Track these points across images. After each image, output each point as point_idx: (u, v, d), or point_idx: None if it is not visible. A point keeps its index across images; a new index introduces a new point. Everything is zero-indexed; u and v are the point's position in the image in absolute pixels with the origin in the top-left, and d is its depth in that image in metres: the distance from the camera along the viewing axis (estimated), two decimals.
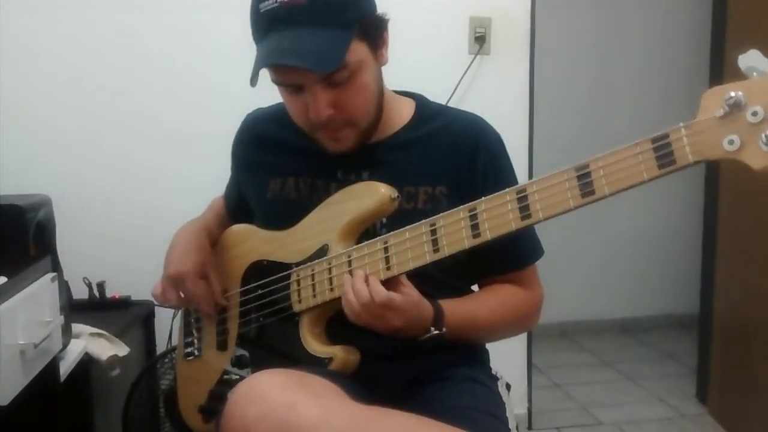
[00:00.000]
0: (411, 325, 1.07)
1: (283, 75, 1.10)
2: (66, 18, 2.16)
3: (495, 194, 0.99)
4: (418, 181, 1.19)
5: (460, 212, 1.01)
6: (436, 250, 1.03)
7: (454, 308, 1.13)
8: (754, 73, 0.79)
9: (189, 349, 1.34)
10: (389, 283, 1.06)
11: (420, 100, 1.28)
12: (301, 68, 1.05)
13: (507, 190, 0.98)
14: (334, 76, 1.07)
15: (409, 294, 1.06)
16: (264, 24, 1.08)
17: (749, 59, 0.79)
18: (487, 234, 0.98)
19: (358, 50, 1.09)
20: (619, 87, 3.68)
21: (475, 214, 1.00)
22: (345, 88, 1.10)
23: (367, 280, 1.05)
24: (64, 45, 2.17)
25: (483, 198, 1.00)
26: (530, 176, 2.36)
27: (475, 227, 1.00)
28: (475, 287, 1.29)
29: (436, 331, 1.09)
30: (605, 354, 3.41)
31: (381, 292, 1.03)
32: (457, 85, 2.29)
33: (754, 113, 0.78)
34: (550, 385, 3.02)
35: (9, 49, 2.12)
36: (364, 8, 1.11)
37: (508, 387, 1.25)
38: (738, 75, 0.82)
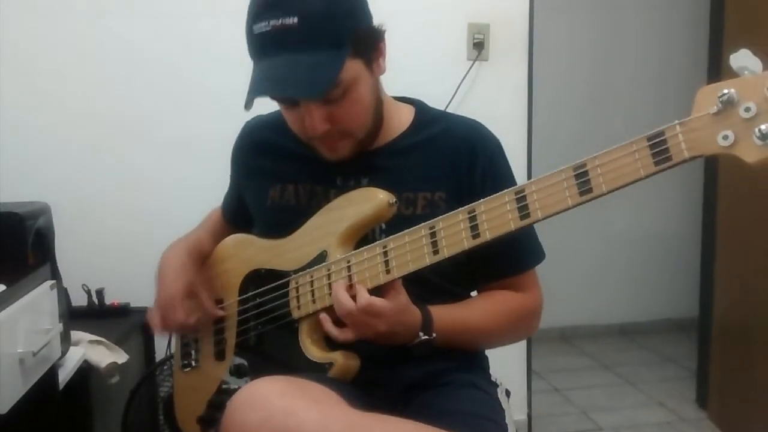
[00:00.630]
0: (397, 331, 1.07)
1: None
2: (66, 26, 2.16)
3: (494, 195, 0.99)
4: (417, 187, 1.19)
5: (459, 214, 1.02)
6: (435, 252, 1.03)
7: (445, 313, 1.13)
8: (746, 72, 0.81)
9: (186, 360, 1.34)
10: (384, 289, 1.07)
11: (419, 106, 1.29)
12: None
13: (506, 190, 0.98)
14: (328, 94, 1.08)
15: (397, 299, 1.06)
16: (257, 46, 1.09)
17: (740, 58, 0.81)
18: (487, 234, 0.99)
19: (353, 67, 1.10)
20: (617, 91, 3.70)
21: (474, 215, 1.00)
22: (340, 104, 1.10)
23: (352, 289, 1.06)
24: (63, 53, 2.17)
25: (482, 199, 1.00)
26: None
27: (474, 228, 1.00)
28: (474, 294, 1.29)
29: (425, 337, 1.09)
30: (605, 358, 3.41)
31: (363, 297, 1.04)
32: (456, 91, 2.30)
33: (747, 109, 0.80)
34: (550, 390, 3.02)
35: (9, 57, 2.12)
36: (357, 23, 1.11)
37: (507, 393, 1.25)
38: (735, 76, 0.83)
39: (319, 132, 1.11)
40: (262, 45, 1.07)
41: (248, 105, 1.08)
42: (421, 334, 1.09)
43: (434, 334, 1.10)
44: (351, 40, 1.08)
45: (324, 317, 1.10)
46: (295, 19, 1.04)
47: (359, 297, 1.04)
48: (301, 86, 1.05)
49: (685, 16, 3.62)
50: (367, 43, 1.13)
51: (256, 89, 1.07)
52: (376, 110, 1.17)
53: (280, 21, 1.04)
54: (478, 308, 1.21)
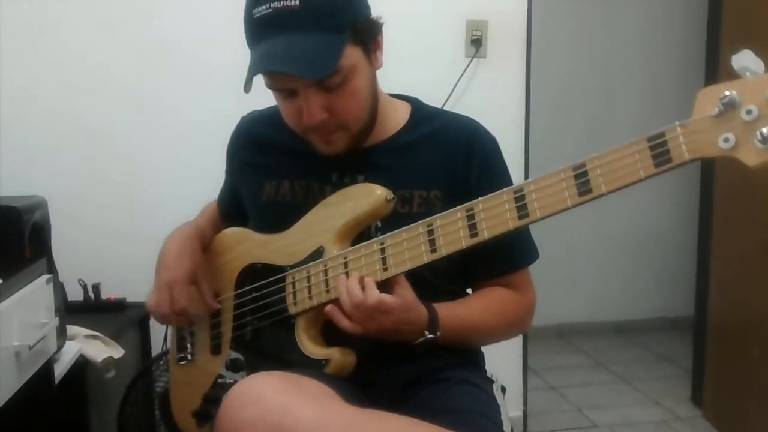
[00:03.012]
0: (403, 328, 1.07)
1: (277, 80, 1.10)
2: (66, 22, 2.15)
3: (492, 194, 0.99)
4: (413, 184, 1.19)
5: (458, 212, 1.02)
6: (433, 250, 1.03)
7: (449, 312, 1.13)
8: (747, 73, 0.80)
9: (182, 354, 1.33)
10: (386, 284, 1.06)
11: (415, 104, 1.28)
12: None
13: (504, 189, 0.99)
14: (327, 81, 1.08)
15: (404, 296, 1.06)
16: (257, 29, 1.08)
17: (742, 59, 0.80)
18: (485, 233, 0.99)
19: (352, 54, 1.10)
20: (615, 88, 3.69)
21: (473, 214, 1.00)
22: (338, 93, 1.10)
23: (362, 282, 1.05)
24: (62, 50, 2.16)
25: (480, 198, 1.00)
26: (526, 180, 2.36)
27: (472, 227, 1.00)
28: (469, 291, 1.29)
29: (431, 335, 1.09)
30: (600, 356, 3.41)
31: (373, 295, 1.03)
32: (454, 88, 2.29)
33: (749, 111, 0.79)
34: (546, 387, 3.02)
35: (7, 52, 2.11)
36: (357, 12, 1.11)
37: (503, 390, 1.25)
38: (733, 76, 0.83)
39: (317, 121, 1.10)
40: (262, 27, 1.07)
41: (248, 86, 1.07)
42: (426, 332, 1.09)
43: (438, 333, 1.10)
44: (351, 28, 1.09)
45: (332, 308, 1.08)
46: (297, 1, 1.04)
47: (369, 294, 1.04)
48: (303, 65, 1.04)
49: (684, 17, 3.62)
50: (367, 34, 1.13)
51: (257, 67, 1.06)
52: (372, 104, 1.17)
53: (281, 3, 1.04)
54: (477, 306, 1.21)
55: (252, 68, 1.07)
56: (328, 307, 1.09)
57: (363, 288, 1.05)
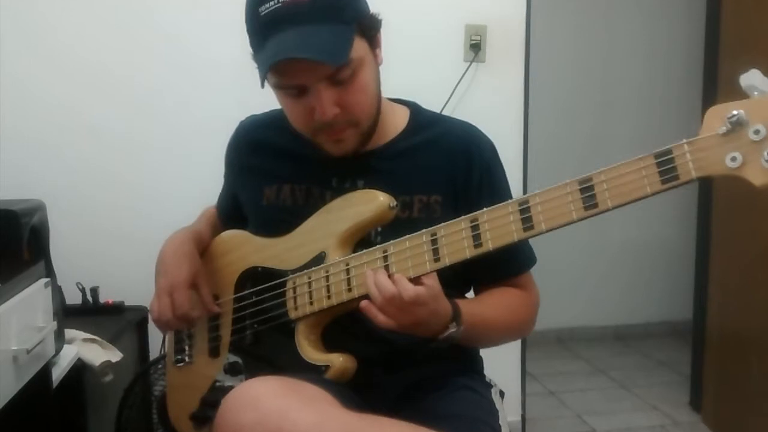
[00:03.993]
0: (432, 320, 1.05)
1: (287, 76, 1.09)
2: (64, 25, 2.15)
3: (497, 205, 0.99)
4: (413, 189, 1.19)
5: (462, 222, 1.01)
6: (436, 260, 1.02)
7: (468, 307, 1.12)
8: (755, 92, 0.81)
9: (180, 356, 1.33)
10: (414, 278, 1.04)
11: (414, 108, 1.28)
12: (306, 67, 1.05)
13: (509, 201, 0.98)
14: (338, 74, 1.08)
15: (433, 287, 1.03)
16: (266, 26, 1.07)
17: (750, 79, 0.81)
18: (489, 244, 0.99)
19: (360, 47, 1.10)
20: (614, 95, 3.69)
21: (477, 225, 1.00)
22: (348, 87, 1.10)
23: (391, 277, 1.03)
24: (59, 53, 2.15)
25: (485, 209, 1.00)
26: (524, 185, 2.37)
27: (476, 237, 1.00)
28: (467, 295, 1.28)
29: (454, 329, 1.07)
30: (599, 362, 3.42)
31: (408, 288, 1.00)
32: (452, 93, 2.29)
33: (756, 131, 0.79)
34: (545, 393, 3.03)
35: (5, 55, 2.10)
36: (361, 8, 1.13)
37: (501, 394, 1.26)
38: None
39: (329, 116, 1.10)
40: (271, 23, 1.06)
41: (263, 82, 1.07)
42: (452, 324, 1.07)
43: (462, 326, 1.08)
44: (356, 22, 1.10)
45: (367, 303, 1.04)
46: None
47: (403, 287, 1.01)
48: (321, 52, 1.04)
49: (683, 26, 3.61)
50: (370, 28, 1.14)
51: (272, 59, 1.05)
52: (378, 100, 1.18)
53: None
54: (491, 303, 1.20)
55: (266, 60, 1.06)
56: (363, 303, 1.05)
57: (393, 282, 1.02)
